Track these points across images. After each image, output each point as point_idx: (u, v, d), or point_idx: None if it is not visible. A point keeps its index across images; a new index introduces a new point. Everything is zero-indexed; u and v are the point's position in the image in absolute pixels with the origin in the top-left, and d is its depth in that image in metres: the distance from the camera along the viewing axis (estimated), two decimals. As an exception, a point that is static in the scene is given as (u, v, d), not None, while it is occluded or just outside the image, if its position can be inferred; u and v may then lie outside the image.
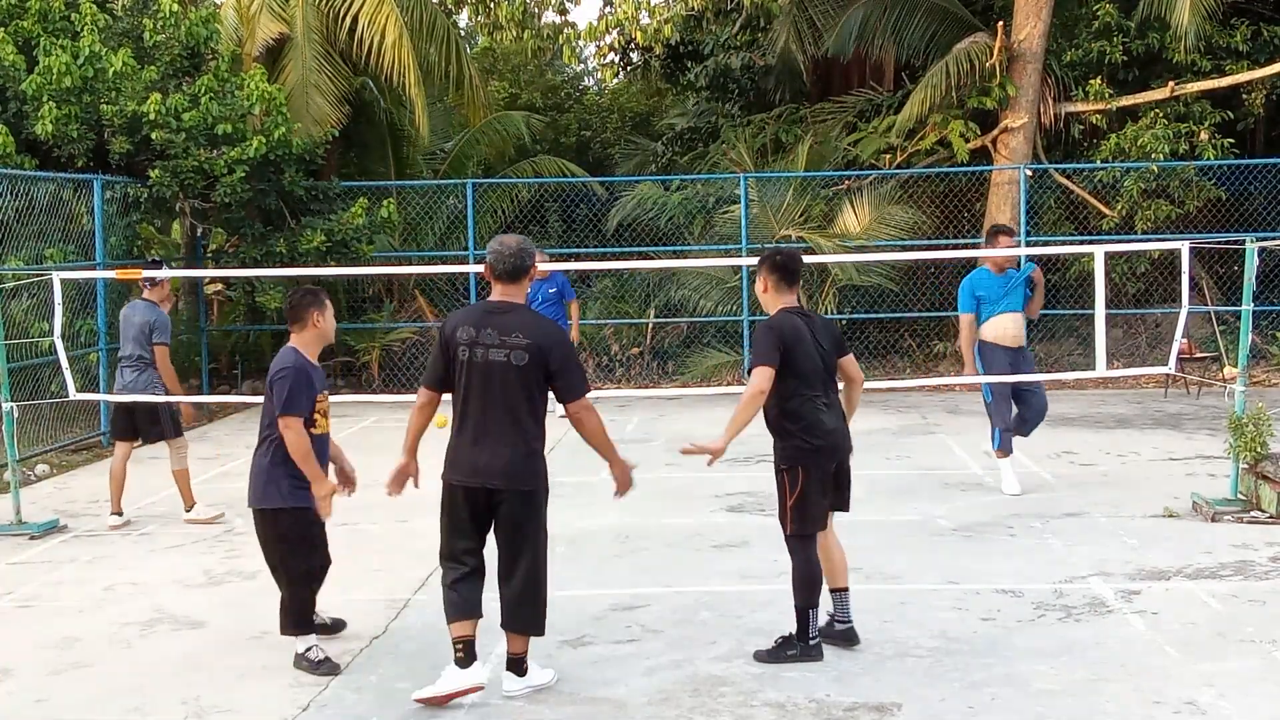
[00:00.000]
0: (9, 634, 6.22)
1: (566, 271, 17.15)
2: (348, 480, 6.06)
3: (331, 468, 5.89)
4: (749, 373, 5.61)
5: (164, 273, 8.96)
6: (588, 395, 5.06)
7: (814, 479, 5.45)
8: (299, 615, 5.55)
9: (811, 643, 5.47)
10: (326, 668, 5.47)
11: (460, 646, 5.03)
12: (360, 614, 6.33)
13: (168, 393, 8.60)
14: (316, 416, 5.66)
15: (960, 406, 13.04)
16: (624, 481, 5.18)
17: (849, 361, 5.77)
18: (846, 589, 5.66)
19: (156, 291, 8.74)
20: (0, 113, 12.69)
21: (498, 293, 5.13)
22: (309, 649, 5.51)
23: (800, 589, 5.47)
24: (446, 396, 5.18)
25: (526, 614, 5.08)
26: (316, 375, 5.74)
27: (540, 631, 5.14)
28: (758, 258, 5.84)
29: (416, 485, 5.23)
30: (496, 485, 4.96)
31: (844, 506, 5.68)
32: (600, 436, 5.08)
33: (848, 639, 5.62)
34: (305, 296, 5.85)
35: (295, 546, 5.57)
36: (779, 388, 5.44)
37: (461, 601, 5.03)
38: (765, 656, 5.48)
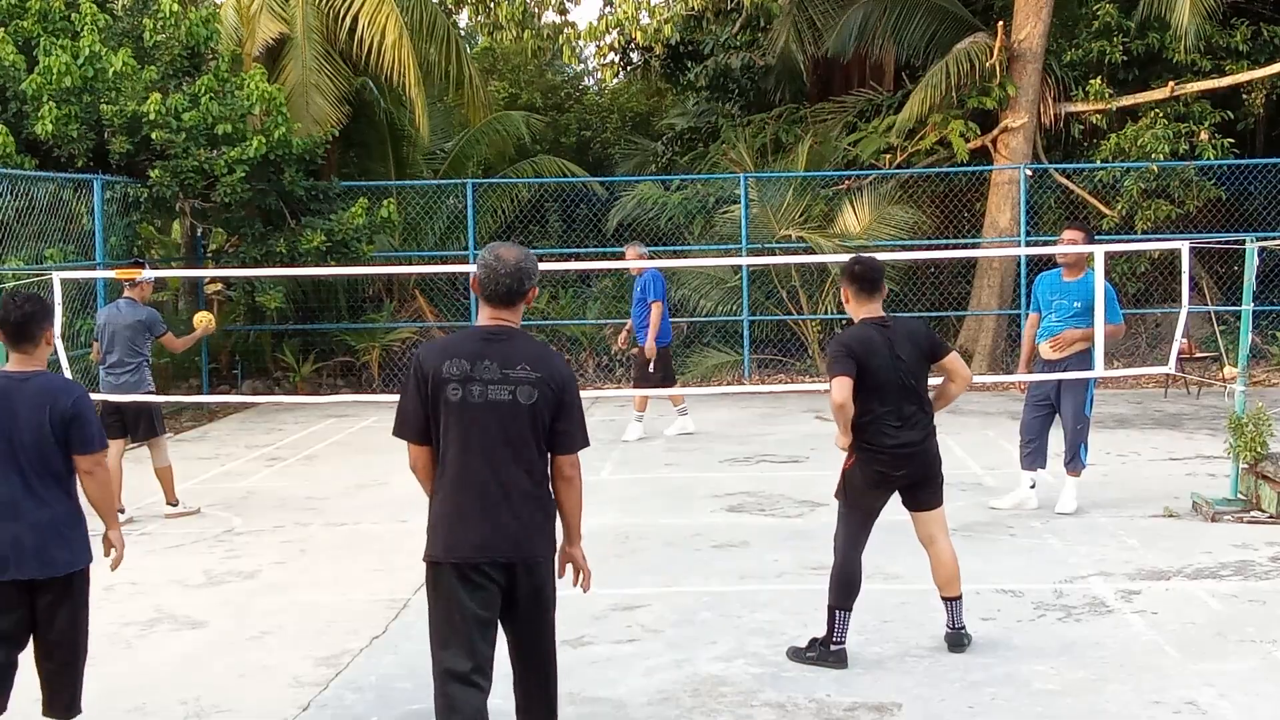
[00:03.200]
0: (9, 634, 6.21)
1: (566, 272, 17.26)
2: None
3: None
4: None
5: (153, 273, 9.11)
6: (585, 449, 4.06)
7: (870, 474, 5.41)
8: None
9: (833, 648, 5.42)
10: None
11: None
12: (360, 614, 6.33)
13: (157, 391, 8.89)
14: None
15: (960, 406, 13.02)
16: (586, 571, 4.15)
17: (950, 361, 5.52)
18: (957, 597, 5.60)
19: (138, 290, 8.90)
20: (0, 113, 12.69)
21: (489, 315, 4.00)
22: None
23: (833, 588, 5.48)
24: None
25: None
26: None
27: None
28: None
29: None
30: (512, 558, 3.90)
31: (920, 506, 5.56)
32: (578, 506, 4.06)
33: (954, 643, 5.57)
34: (37, 306, 4.45)
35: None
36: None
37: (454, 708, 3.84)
38: (790, 654, 5.53)
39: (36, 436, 4.31)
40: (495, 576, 3.90)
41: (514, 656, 4.04)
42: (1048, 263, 15.47)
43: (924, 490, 5.52)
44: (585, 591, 4.21)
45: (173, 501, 8.83)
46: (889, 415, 5.35)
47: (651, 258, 11.85)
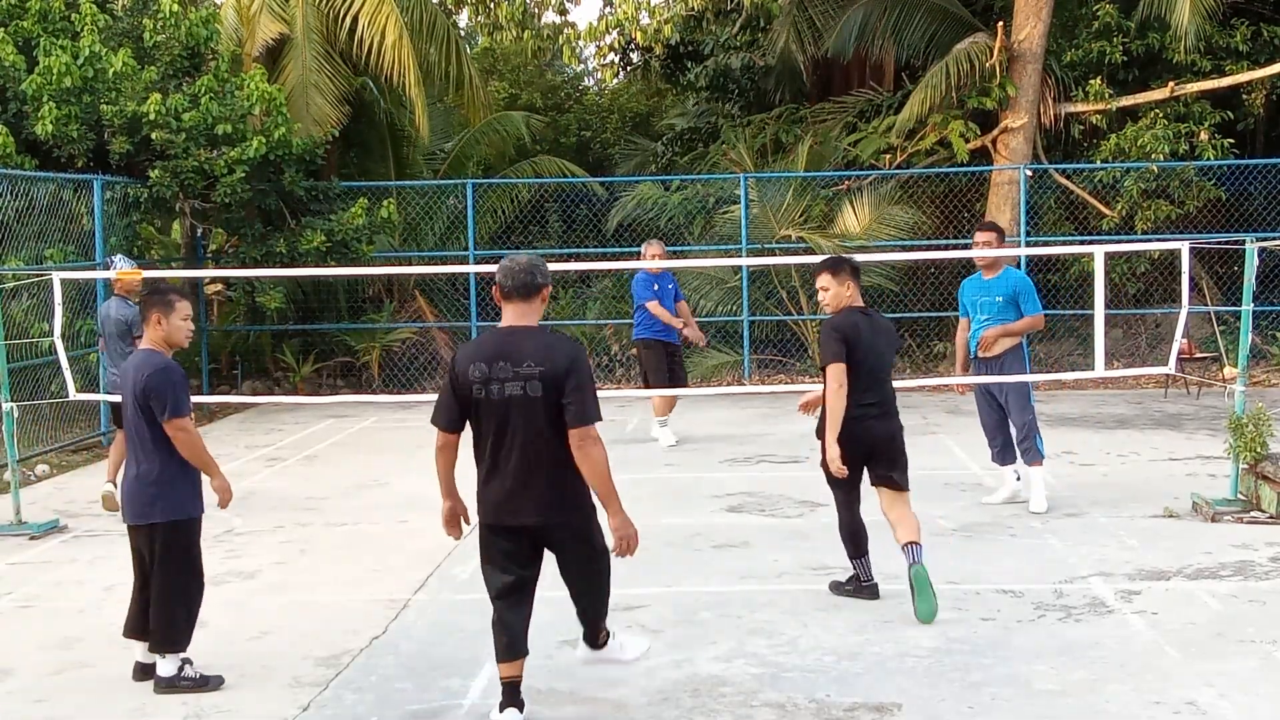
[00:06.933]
0: (9, 634, 6.22)
1: (567, 272, 17.25)
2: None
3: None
4: (822, 370, 6.19)
5: (113, 271, 9.05)
6: (597, 425, 4.61)
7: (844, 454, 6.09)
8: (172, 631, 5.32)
9: (865, 584, 6.31)
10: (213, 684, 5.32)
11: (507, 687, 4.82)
12: (360, 614, 6.33)
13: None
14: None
15: (960, 407, 13.02)
16: (624, 539, 4.66)
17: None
18: (913, 543, 6.09)
19: (120, 285, 8.94)
20: (0, 113, 12.69)
21: (509, 316, 4.71)
22: (183, 667, 5.31)
23: (845, 544, 6.32)
24: None
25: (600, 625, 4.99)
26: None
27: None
28: (821, 267, 6.40)
29: (468, 522, 4.88)
30: (541, 522, 4.65)
31: (892, 485, 6.20)
32: (603, 477, 4.60)
33: (918, 577, 6.01)
34: (155, 295, 5.57)
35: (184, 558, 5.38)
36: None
37: (509, 643, 4.78)
38: (831, 586, 6.43)
39: (132, 406, 5.34)
40: (528, 537, 4.68)
41: (571, 591, 4.88)
42: (1048, 263, 15.57)
43: (895, 470, 6.19)
44: (622, 555, 4.70)
45: None
46: (871, 408, 6.10)
47: (668, 256, 11.61)
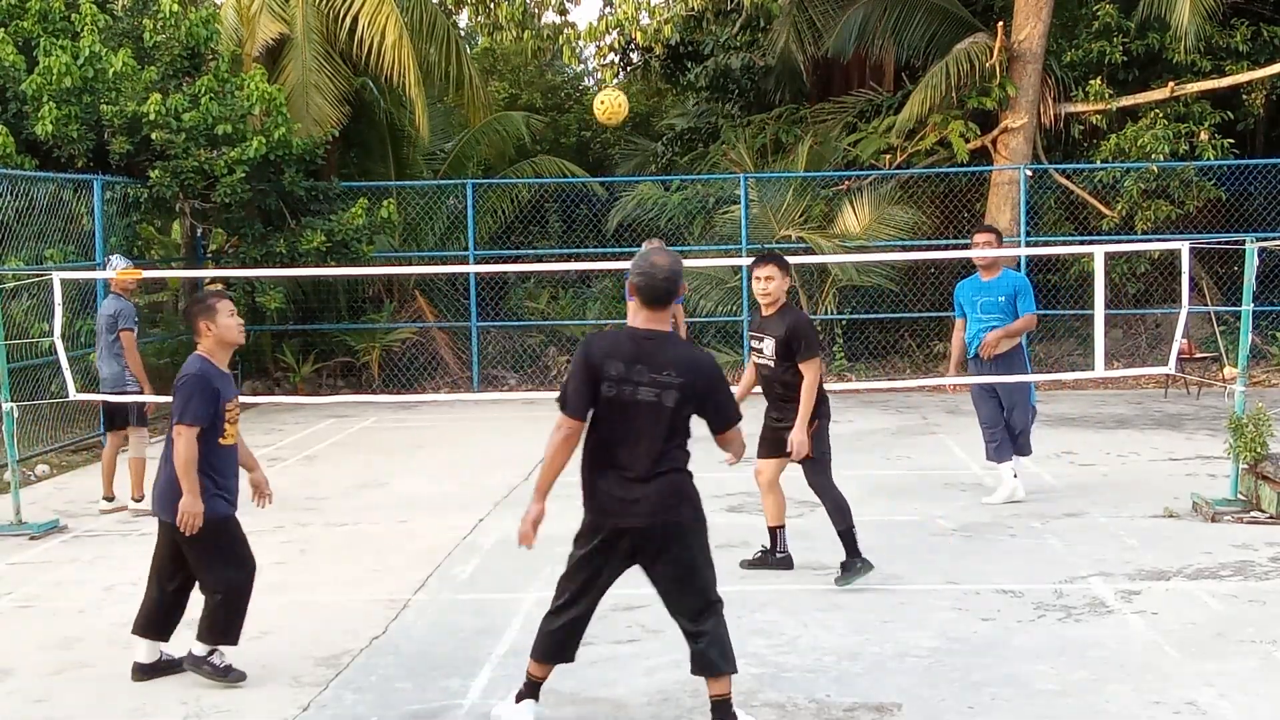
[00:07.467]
0: (9, 634, 6.22)
1: (567, 272, 17.26)
2: (259, 491, 5.75)
3: (245, 476, 5.67)
4: (807, 362, 6.61)
5: (112, 271, 9.10)
6: (740, 421, 4.73)
7: (825, 426, 6.75)
8: (218, 624, 5.40)
9: (860, 561, 6.61)
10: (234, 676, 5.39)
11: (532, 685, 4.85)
12: (360, 614, 6.33)
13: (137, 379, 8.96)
14: (225, 425, 5.43)
15: (960, 407, 13.02)
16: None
17: None
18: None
19: (115, 283, 9.06)
20: (0, 113, 12.69)
21: (643, 318, 4.63)
22: (212, 654, 5.40)
23: (836, 519, 6.64)
24: None
25: (715, 654, 4.73)
26: (223, 383, 5.49)
27: (733, 668, 4.76)
28: (768, 259, 6.71)
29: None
30: (648, 524, 4.60)
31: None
32: (742, 447, 4.85)
33: (787, 565, 6.97)
34: (193, 305, 5.67)
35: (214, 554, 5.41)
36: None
37: (561, 645, 4.75)
38: (839, 577, 6.63)
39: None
40: (632, 539, 4.62)
41: (664, 596, 4.80)
42: (1048, 263, 15.58)
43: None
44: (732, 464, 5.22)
45: (138, 496, 8.85)
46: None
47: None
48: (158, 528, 5.52)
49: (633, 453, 4.56)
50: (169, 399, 8.50)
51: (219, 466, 5.40)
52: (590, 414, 4.61)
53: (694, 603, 4.71)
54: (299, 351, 15.74)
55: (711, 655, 4.71)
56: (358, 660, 5.68)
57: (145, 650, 5.46)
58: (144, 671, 5.45)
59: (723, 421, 4.68)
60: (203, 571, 5.40)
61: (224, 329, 5.52)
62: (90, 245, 12.42)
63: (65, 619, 6.43)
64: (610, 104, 9.78)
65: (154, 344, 14.81)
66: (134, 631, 5.50)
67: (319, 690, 5.30)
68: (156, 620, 5.47)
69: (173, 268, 15.33)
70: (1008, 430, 8.50)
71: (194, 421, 5.30)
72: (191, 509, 5.25)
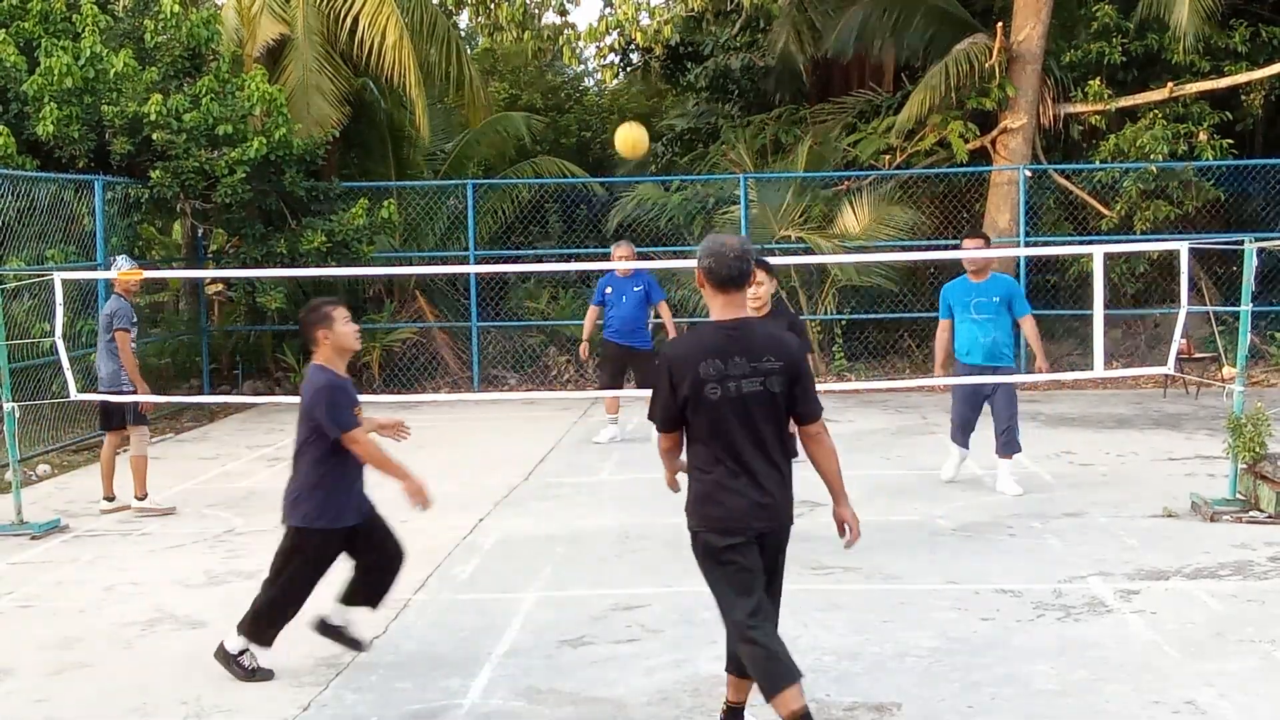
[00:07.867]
0: (9, 634, 6.23)
1: (567, 272, 17.26)
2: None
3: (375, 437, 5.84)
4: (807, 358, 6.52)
5: (115, 271, 9.10)
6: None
7: None
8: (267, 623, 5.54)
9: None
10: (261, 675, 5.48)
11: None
12: (360, 614, 6.33)
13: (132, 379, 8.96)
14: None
15: (960, 407, 13.04)
16: (856, 522, 4.63)
17: None
18: None
19: (119, 284, 9.08)
20: (1, 114, 12.70)
21: (721, 306, 4.35)
22: (243, 653, 5.51)
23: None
24: None
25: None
26: (350, 388, 5.64)
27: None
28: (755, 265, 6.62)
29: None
30: (765, 529, 4.38)
31: None
32: (832, 463, 4.54)
33: None
34: (309, 314, 5.64)
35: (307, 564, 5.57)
36: None
37: (782, 663, 4.29)
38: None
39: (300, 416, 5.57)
40: (751, 541, 4.35)
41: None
42: (1047, 263, 15.58)
43: None
44: (852, 542, 4.63)
45: (140, 495, 8.88)
46: None
47: (637, 258, 12.01)
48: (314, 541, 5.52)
49: (754, 451, 4.32)
50: (165, 399, 8.58)
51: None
52: (692, 422, 4.36)
53: (775, 603, 4.53)
54: (299, 351, 15.73)
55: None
56: (358, 660, 5.69)
57: (336, 610, 5.62)
58: (325, 629, 5.62)
59: (815, 406, 4.43)
60: (280, 561, 5.51)
61: (341, 336, 5.56)
62: (91, 245, 12.43)
63: (65, 619, 6.44)
64: (631, 137, 9.90)
65: (154, 344, 14.84)
66: (339, 601, 5.61)
67: (319, 690, 5.31)
68: (360, 591, 5.60)
69: (173, 268, 15.34)
70: (995, 429, 8.84)
71: (352, 425, 5.42)
72: (413, 487, 5.50)
